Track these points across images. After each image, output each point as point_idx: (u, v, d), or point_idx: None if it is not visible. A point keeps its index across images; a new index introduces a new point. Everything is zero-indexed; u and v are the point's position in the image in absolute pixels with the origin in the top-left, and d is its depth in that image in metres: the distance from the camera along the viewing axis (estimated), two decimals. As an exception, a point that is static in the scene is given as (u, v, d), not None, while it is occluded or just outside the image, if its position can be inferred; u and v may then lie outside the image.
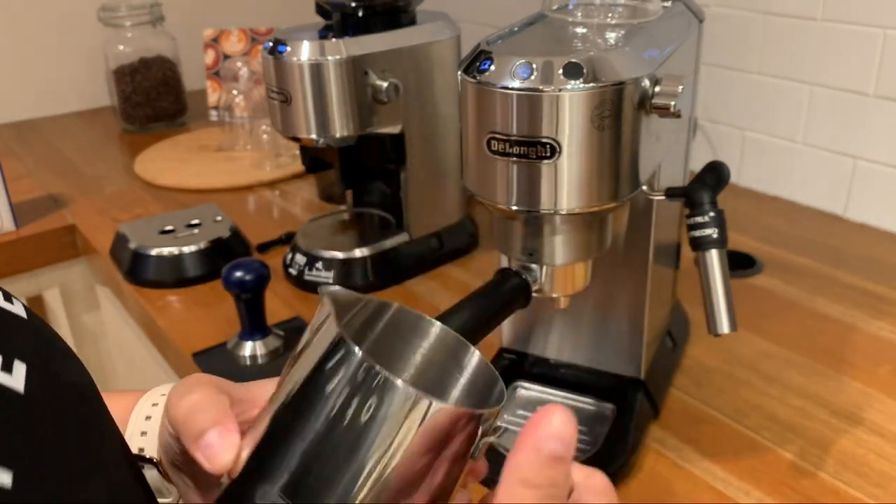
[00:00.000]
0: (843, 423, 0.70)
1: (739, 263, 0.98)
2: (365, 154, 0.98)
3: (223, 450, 0.34)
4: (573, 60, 0.49)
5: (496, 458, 0.35)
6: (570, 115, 0.49)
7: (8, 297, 0.32)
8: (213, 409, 0.35)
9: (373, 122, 0.88)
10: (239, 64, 1.46)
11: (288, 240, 1.05)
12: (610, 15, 0.60)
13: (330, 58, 0.83)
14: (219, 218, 1.05)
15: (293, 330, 0.85)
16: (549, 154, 0.50)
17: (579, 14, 0.61)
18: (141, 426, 0.44)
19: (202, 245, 0.98)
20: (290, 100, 0.85)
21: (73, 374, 0.33)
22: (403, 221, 0.98)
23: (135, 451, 0.43)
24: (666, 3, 0.65)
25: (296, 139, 0.88)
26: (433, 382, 0.38)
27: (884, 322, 0.85)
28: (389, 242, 0.97)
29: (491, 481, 0.34)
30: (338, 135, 0.86)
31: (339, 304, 0.35)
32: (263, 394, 0.38)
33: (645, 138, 0.54)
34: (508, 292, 0.56)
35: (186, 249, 0.97)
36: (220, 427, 0.34)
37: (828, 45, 1.06)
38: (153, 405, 0.45)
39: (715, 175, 0.59)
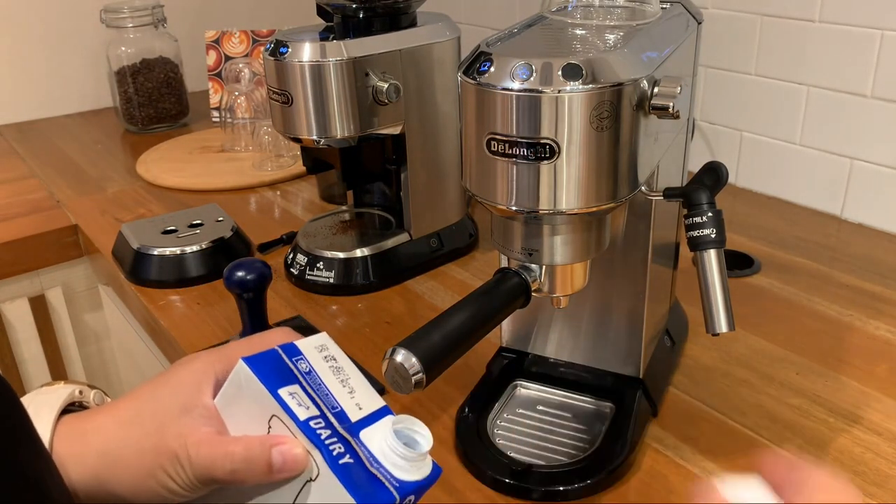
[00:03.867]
0: (840, 421, 0.71)
1: (737, 263, 0.98)
2: (365, 154, 0.99)
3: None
4: (572, 62, 0.49)
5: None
6: (570, 116, 0.50)
7: None
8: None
9: (373, 122, 0.88)
10: (240, 65, 1.47)
11: (289, 240, 1.06)
12: (609, 17, 0.61)
13: (331, 59, 0.84)
14: (220, 218, 1.05)
15: (294, 329, 0.85)
16: (548, 155, 0.51)
17: (578, 16, 0.61)
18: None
19: (204, 245, 0.99)
20: (291, 101, 0.85)
21: None
22: (404, 221, 0.99)
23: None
24: (664, 5, 0.66)
25: (297, 140, 0.88)
26: None
27: (880, 321, 0.85)
28: (390, 242, 0.97)
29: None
30: (338, 135, 0.87)
31: None
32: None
33: (643, 139, 0.54)
34: (508, 292, 0.57)
35: (188, 249, 0.98)
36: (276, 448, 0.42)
37: (825, 46, 1.06)
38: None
39: (713, 175, 0.59)
